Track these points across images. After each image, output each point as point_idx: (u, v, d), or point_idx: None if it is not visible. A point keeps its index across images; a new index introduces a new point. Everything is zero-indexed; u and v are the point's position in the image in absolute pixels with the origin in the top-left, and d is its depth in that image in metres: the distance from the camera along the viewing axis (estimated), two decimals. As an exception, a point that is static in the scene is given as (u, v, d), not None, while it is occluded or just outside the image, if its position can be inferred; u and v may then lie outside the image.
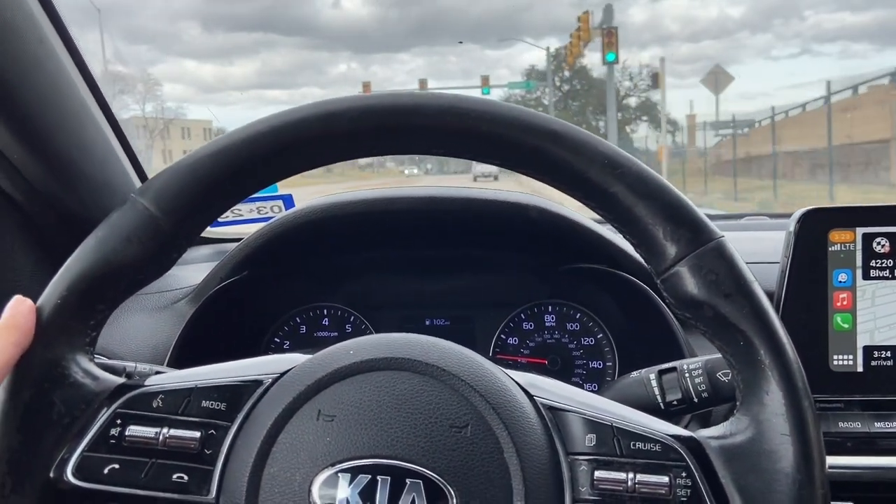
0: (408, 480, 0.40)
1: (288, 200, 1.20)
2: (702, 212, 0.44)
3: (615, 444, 0.43)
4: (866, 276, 0.70)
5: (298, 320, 0.97)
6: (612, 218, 0.45)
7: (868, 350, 0.70)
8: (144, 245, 0.44)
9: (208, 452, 0.43)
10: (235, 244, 0.90)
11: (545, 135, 0.44)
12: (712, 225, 0.44)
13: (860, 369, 0.70)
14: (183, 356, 0.81)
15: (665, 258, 0.44)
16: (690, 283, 0.43)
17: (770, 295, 0.67)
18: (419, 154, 0.47)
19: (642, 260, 0.46)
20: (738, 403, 0.44)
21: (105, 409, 0.44)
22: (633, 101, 35.98)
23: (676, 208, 0.44)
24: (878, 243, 0.70)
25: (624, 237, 0.46)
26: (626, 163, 0.44)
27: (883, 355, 0.70)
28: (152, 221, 0.44)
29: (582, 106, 36.94)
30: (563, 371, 0.94)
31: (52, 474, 0.42)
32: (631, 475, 0.42)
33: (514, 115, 0.44)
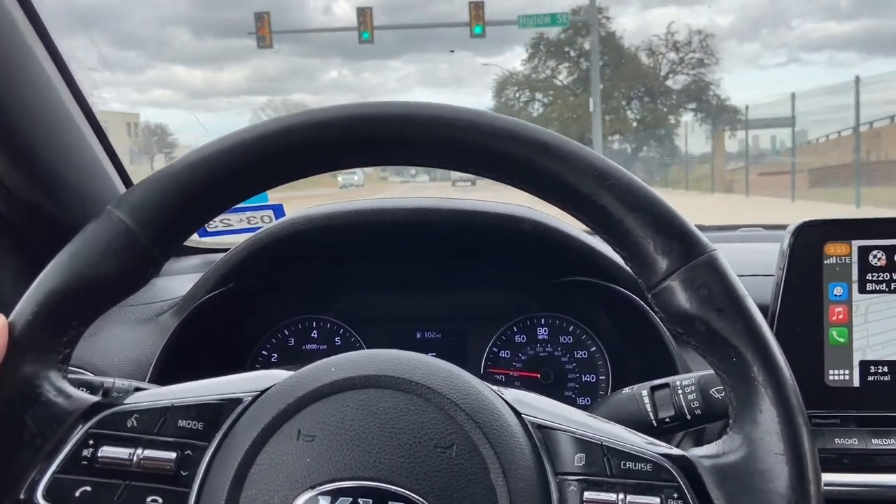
0: (390, 503, 0.39)
1: (278, 210, 1.18)
2: (693, 224, 0.43)
3: (605, 463, 0.42)
4: (862, 290, 0.69)
5: (287, 333, 0.96)
6: (602, 230, 0.44)
7: (865, 365, 0.69)
8: (120, 259, 0.43)
9: (184, 474, 0.42)
10: (222, 255, 0.89)
11: (534, 146, 0.43)
12: (704, 238, 0.43)
13: (857, 384, 0.69)
14: (166, 370, 0.79)
15: (656, 272, 0.43)
16: (682, 298, 0.42)
17: (765, 308, 0.66)
18: (406, 165, 0.46)
19: (633, 273, 0.45)
20: (730, 421, 0.43)
21: (77, 428, 0.42)
22: (676, 82, 25.56)
23: (667, 220, 0.43)
24: (875, 256, 0.69)
25: (614, 250, 0.45)
26: (616, 174, 0.43)
27: (880, 370, 0.69)
28: (128, 234, 0.43)
29: (609, 88, 25.83)
30: (555, 385, 0.93)
31: (22, 496, 0.41)
32: (621, 496, 0.41)
33: (503, 125, 0.43)
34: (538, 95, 27.20)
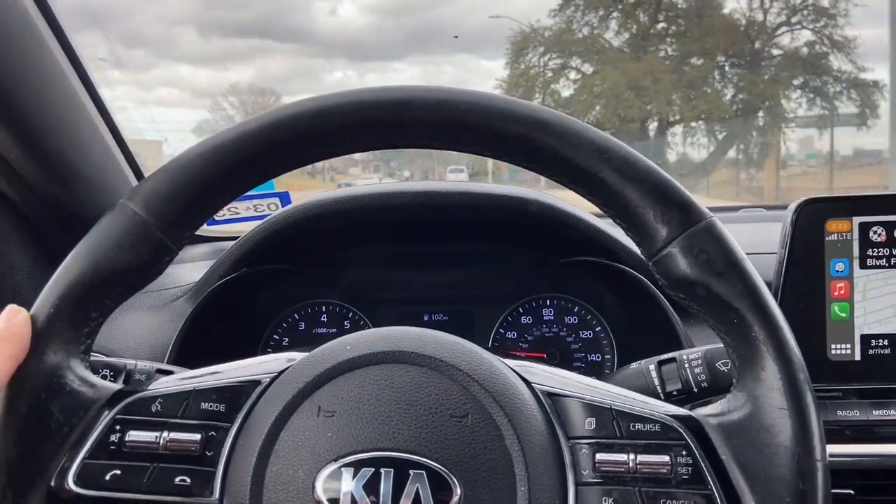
0: (411, 471, 0.40)
1: (284, 198, 1.20)
2: (691, 193, 0.45)
3: (615, 426, 0.43)
4: (863, 266, 0.70)
5: (297, 317, 0.97)
6: (602, 203, 0.45)
7: (866, 339, 0.70)
8: (136, 250, 0.44)
9: (210, 454, 0.43)
10: (233, 242, 0.90)
11: (533, 123, 0.44)
12: (702, 206, 0.44)
13: (858, 358, 0.70)
14: (182, 354, 0.81)
15: (656, 240, 0.44)
16: (682, 264, 0.43)
17: (767, 285, 0.67)
18: (411, 147, 0.47)
19: (633, 243, 0.46)
20: (734, 381, 0.44)
21: (103, 415, 0.44)
22: (793, 40, 14.74)
23: (665, 190, 0.44)
24: (875, 232, 0.70)
25: (614, 221, 0.46)
26: (614, 147, 0.44)
27: (881, 343, 0.70)
28: (143, 226, 0.44)
29: (685, 49, 15.47)
30: (561, 364, 0.94)
31: (53, 483, 0.42)
32: (632, 456, 0.42)
33: (503, 105, 0.44)
34: (575, 61, 17.07)
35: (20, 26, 0.74)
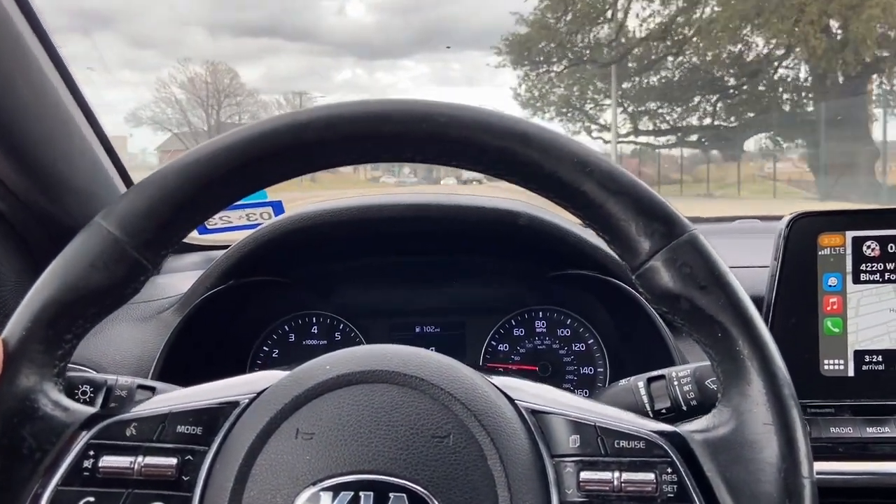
0: (391, 494, 0.40)
1: (277, 207, 1.19)
2: (673, 206, 0.44)
3: (599, 443, 0.43)
4: (856, 280, 0.70)
5: (287, 329, 0.97)
6: (585, 216, 0.45)
7: (859, 354, 0.70)
8: (110, 271, 0.43)
9: (186, 479, 0.42)
10: (222, 252, 0.89)
11: (513, 136, 0.43)
12: (685, 218, 0.44)
13: (851, 374, 0.70)
14: (168, 367, 0.80)
15: (639, 253, 0.44)
16: (665, 277, 0.43)
17: (760, 299, 0.67)
18: (392, 161, 0.46)
19: (617, 256, 0.45)
20: (719, 396, 0.44)
21: (77, 440, 0.43)
22: None
23: (648, 203, 0.43)
24: (868, 247, 0.69)
25: (597, 235, 0.46)
26: (596, 160, 0.44)
27: (874, 359, 0.69)
28: (117, 246, 0.43)
29: None
30: (553, 377, 0.93)
31: None
32: (617, 474, 0.42)
33: (483, 118, 0.44)
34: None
35: (4, 36, 0.73)
